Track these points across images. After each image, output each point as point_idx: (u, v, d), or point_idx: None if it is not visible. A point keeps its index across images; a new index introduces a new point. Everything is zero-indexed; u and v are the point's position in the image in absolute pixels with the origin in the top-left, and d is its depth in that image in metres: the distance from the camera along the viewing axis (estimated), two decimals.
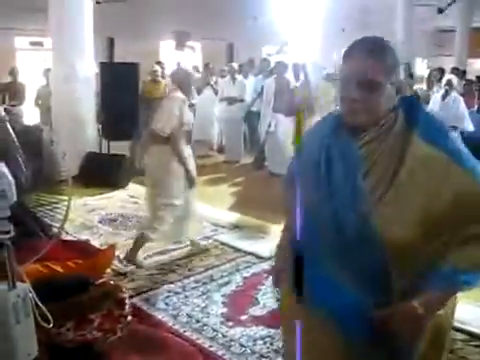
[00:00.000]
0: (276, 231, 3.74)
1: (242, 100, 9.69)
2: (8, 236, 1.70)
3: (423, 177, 1.61)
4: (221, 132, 10.71)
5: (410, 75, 9.88)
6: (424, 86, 8.66)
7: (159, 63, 10.64)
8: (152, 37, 14.02)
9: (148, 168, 4.89)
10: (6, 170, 1.66)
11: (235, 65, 10.34)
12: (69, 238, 5.00)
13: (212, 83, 10.72)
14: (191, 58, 14.80)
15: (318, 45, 13.15)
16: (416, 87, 8.67)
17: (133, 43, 12.31)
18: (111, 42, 13.34)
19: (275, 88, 8.49)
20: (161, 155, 4.66)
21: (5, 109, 2.17)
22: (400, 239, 1.59)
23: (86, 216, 6.16)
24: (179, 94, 4.76)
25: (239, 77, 9.92)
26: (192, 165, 4.74)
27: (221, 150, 10.60)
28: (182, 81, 4.89)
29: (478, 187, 1.62)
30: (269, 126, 8.48)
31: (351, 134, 1.73)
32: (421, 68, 17.65)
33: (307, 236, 1.69)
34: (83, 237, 5.32)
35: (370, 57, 1.65)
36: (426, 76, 9.10)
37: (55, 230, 2.16)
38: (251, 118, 9.70)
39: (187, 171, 4.67)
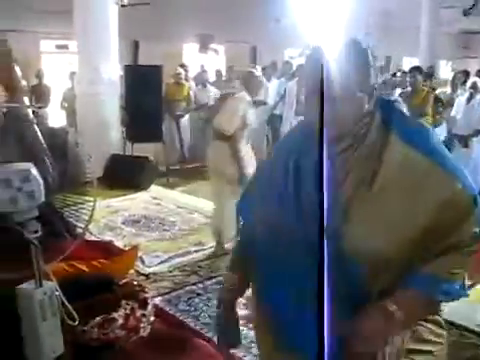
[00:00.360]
0: None
1: (265, 103, 9.70)
2: (36, 235, 1.74)
3: (402, 183, 1.50)
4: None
5: (430, 76, 9.78)
6: (448, 89, 8.56)
7: (183, 66, 10.71)
8: (176, 40, 14.11)
9: (210, 161, 4.99)
10: (35, 171, 1.70)
11: (258, 68, 10.36)
12: (93, 239, 5.08)
13: (235, 86, 10.74)
14: (214, 61, 14.85)
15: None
16: (439, 90, 8.58)
17: (157, 46, 12.41)
18: (136, 45, 13.47)
19: (297, 91, 8.50)
20: (220, 150, 4.79)
21: (32, 111, 2.22)
22: (378, 255, 1.47)
23: (109, 217, 6.23)
24: (244, 94, 4.82)
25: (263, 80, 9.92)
26: (248, 164, 4.78)
27: None
28: (249, 81, 4.95)
29: (461, 192, 1.50)
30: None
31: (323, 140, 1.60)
32: (445, 71, 17.48)
33: (268, 261, 1.66)
34: (106, 238, 5.40)
35: (332, 66, 1.50)
36: (450, 79, 8.98)
37: (80, 230, 2.20)
38: (274, 121, 9.71)
39: (240, 169, 4.72)
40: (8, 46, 2.02)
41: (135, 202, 7.06)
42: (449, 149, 6.63)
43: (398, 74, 9.67)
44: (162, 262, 4.92)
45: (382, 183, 1.51)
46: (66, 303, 1.88)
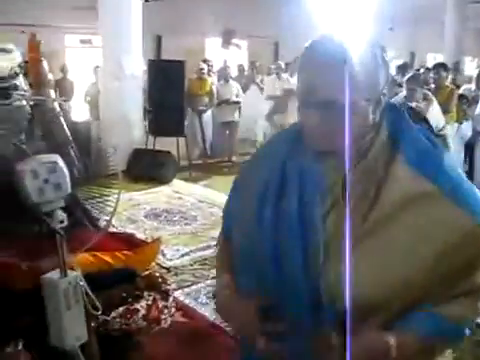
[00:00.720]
0: None
1: None
2: (62, 225, 1.78)
3: (405, 218, 1.24)
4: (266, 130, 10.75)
5: (454, 73, 9.67)
6: (473, 86, 8.45)
7: (206, 61, 10.74)
8: (198, 35, 14.16)
9: None
10: (62, 163, 1.74)
11: (281, 63, 10.35)
12: (115, 231, 5.14)
13: (258, 81, 10.76)
14: (237, 56, 14.87)
15: (364, 44, 13.00)
16: (464, 87, 8.48)
17: (180, 41, 12.47)
18: (159, 40, 13.54)
19: None
20: None
21: (59, 105, 2.26)
22: (366, 302, 1.22)
23: (132, 210, 6.29)
24: None
25: (285, 75, 9.92)
26: None
27: None
28: None
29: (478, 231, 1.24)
30: None
31: (315, 155, 1.32)
32: (471, 67, 17.26)
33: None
34: (128, 231, 5.45)
35: (328, 70, 1.23)
36: (475, 75, 8.86)
37: (103, 222, 2.24)
38: None
39: None
40: (37, 41, 2.06)
41: (157, 196, 7.12)
42: (473, 147, 6.48)
43: (421, 70, 9.57)
44: (183, 255, 4.96)
45: (379, 215, 1.25)
46: (90, 293, 1.92)
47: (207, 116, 9.72)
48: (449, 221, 1.23)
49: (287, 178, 1.36)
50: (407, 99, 5.30)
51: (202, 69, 9.58)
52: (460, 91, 7.73)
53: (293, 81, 9.98)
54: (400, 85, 8.44)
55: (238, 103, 9.83)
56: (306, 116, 1.28)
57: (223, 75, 10.33)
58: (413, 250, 1.22)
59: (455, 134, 6.57)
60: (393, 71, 10.98)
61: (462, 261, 1.24)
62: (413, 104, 5.13)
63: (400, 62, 11.19)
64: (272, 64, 10.97)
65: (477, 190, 1.33)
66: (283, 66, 10.20)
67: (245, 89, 10.34)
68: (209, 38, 15.31)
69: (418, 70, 10.60)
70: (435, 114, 5.18)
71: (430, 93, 5.27)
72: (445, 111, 6.23)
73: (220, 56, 13.62)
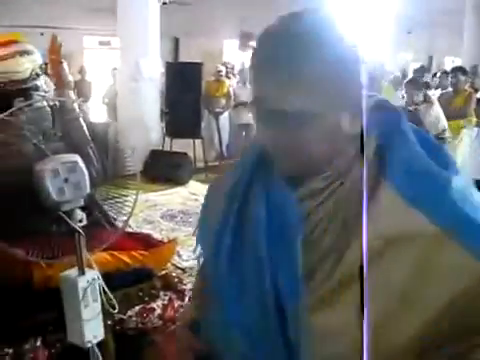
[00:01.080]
0: None
1: None
2: (80, 225, 1.80)
3: (392, 257, 0.95)
4: None
5: (473, 76, 9.61)
6: None
7: (225, 63, 10.77)
8: (216, 37, 14.21)
9: None
10: (82, 163, 1.77)
11: None
12: (132, 231, 5.18)
13: None
14: None
15: (383, 47, 12.99)
16: None
17: (198, 43, 12.53)
18: (176, 42, 13.61)
19: None
20: None
21: (78, 106, 2.31)
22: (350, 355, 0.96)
23: (148, 211, 6.33)
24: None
25: None
26: None
27: None
28: None
29: None
30: None
31: (287, 179, 1.04)
32: None
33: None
34: (145, 231, 5.49)
35: (276, 68, 0.92)
36: None
37: (120, 222, 2.27)
38: None
39: None
40: (59, 42, 2.10)
41: (173, 197, 7.15)
42: None
43: (438, 74, 9.53)
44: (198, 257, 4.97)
45: (352, 267, 0.94)
46: (107, 291, 1.95)
47: (224, 118, 9.75)
48: (455, 266, 0.94)
49: (249, 207, 1.10)
50: (407, 103, 5.29)
51: (220, 71, 9.62)
52: (478, 95, 7.68)
53: None
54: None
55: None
56: (257, 131, 1.02)
57: (241, 77, 10.35)
58: (406, 296, 0.95)
59: (474, 138, 6.53)
60: (410, 74, 10.95)
61: (471, 315, 0.95)
62: (412, 107, 5.13)
63: (417, 65, 11.14)
64: None
65: None
66: None
67: None
68: (227, 40, 15.35)
69: (435, 74, 10.57)
70: (435, 117, 5.16)
71: (431, 96, 5.25)
72: (463, 115, 6.19)
73: (238, 58, 13.66)
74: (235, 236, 1.10)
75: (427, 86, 6.89)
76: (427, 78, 10.40)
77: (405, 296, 0.95)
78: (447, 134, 5.34)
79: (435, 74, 10.91)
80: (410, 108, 5.10)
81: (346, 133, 0.97)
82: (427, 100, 5.11)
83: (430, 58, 15.32)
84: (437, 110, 5.19)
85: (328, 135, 0.96)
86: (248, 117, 9.76)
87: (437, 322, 0.94)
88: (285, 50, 0.91)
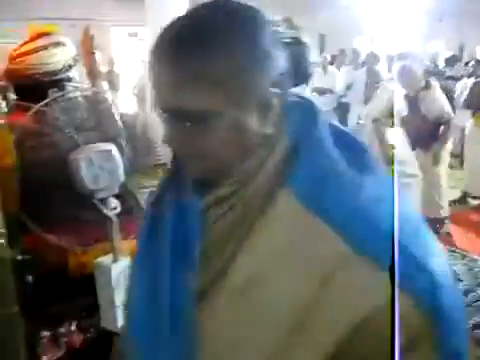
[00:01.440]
0: None
1: (332, 91, 9.64)
2: (114, 212, 1.85)
3: (285, 271, 0.84)
4: None
5: None
6: None
7: None
8: None
9: None
10: (116, 152, 1.81)
11: (328, 56, 10.29)
12: None
13: None
14: None
15: (413, 36, 12.82)
16: None
17: None
18: None
19: (366, 80, 8.41)
20: None
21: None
22: None
23: None
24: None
25: (331, 68, 9.86)
26: None
27: None
28: None
29: (407, 307, 0.78)
30: (359, 118, 8.42)
31: (199, 185, 0.94)
32: None
33: None
34: None
35: (168, 61, 0.84)
36: None
37: None
38: (341, 109, 9.65)
39: None
40: (91, 34, 2.13)
41: None
42: None
43: (471, 63, 9.35)
44: None
45: (249, 274, 0.86)
46: None
47: None
48: (361, 284, 0.79)
49: (160, 217, 1.00)
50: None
51: None
52: None
53: (339, 74, 9.93)
54: (451, 78, 8.29)
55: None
56: (166, 133, 0.91)
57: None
58: (301, 330, 0.81)
59: None
60: (441, 63, 10.77)
61: (375, 340, 0.79)
62: (412, 93, 5.09)
63: (449, 54, 10.96)
64: (317, 57, 10.91)
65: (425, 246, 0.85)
66: (329, 59, 10.14)
67: None
68: None
69: (468, 63, 10.38)
70: (436, 101, 5.11)
71: (431, 81, 5.19)
72: None
73: None
74: (149, 242, 1.02)
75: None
76: (459, 67, 10.21)
77: (299, 318, 0.81)
78: (450, 117, 5.23)
79: (467, 63, 10.72)
80: (411, 94, 5.08)
81: (255, 133, 0.87)
82: (427, 86, 5.06)
83: (461, 47, 15.04)
84: (436, 95, 5.14)
85: (233, 135, 0.86)
86: None
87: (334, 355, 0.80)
88: (183, 44, 0.83)
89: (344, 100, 9.51)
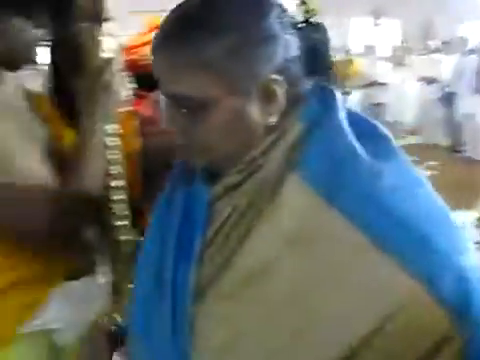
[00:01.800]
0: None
1: (439, 80, 9.28)
2: None
3: (294, 263, 0.79)
4: (416, 113, 10.37)
5: None
6: None
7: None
8: (341, 14, 13.92)
9: None
10: None
11: (432, 43, 9.92)
12: None
13: (408, 62, 10.41)
14: (387, 35, 14.44)
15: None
16: None
17: (322, 19, 12.33)
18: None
19: (477, 67, 8.04)
20: None
21: None
22: None
23: None
24: None
25: (437, 56, 9.49)
26: None
27: (415, 132, 10.26)
28: None
29: (425, 303, 0.72)
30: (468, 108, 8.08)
31: (209, 177, 0.92)
32: None
33: None
34: None
35: (166, 47, 0.83)
36: None
37: None
38: (449, 99, 9.26)
39: None
40: None
41: None
42: None
43: None
44: None
45: (258, 261, 0.83)
46: None
47: (354, 97, 9.60)
48: (380, 281, 0.74)
49: (169, 207, 0.99)
50: None
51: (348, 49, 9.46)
52: None
53: (447, 62, 9.54)
54: None
55: (385, 84, 9.58)
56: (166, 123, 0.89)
57: (370, 55, 10.12)
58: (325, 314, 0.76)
59: None
60: None
61: (402, 338, 0.73)
62: None
63: None
64: (423, 44, 10.55)
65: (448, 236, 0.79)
66: (435, 46, 9.77)
67: (395, 70, 10.05)
68: (355, 17, 14.96)
69: None
70: None
71: None
72: None
73: (367, 36, 13.30)
74: (159, 230, 0.99)
75: None
76: None
77: (312, 314, 0.77)
78: None
79: None
80: None
81: (257, 122, 0.85)
82: None
83: None
84: None
85: (233, 124, 0.84)
86: (381, 96, 9.55)
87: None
88: (180, 29, 0.81)
89: (452, 89, 9.11)
